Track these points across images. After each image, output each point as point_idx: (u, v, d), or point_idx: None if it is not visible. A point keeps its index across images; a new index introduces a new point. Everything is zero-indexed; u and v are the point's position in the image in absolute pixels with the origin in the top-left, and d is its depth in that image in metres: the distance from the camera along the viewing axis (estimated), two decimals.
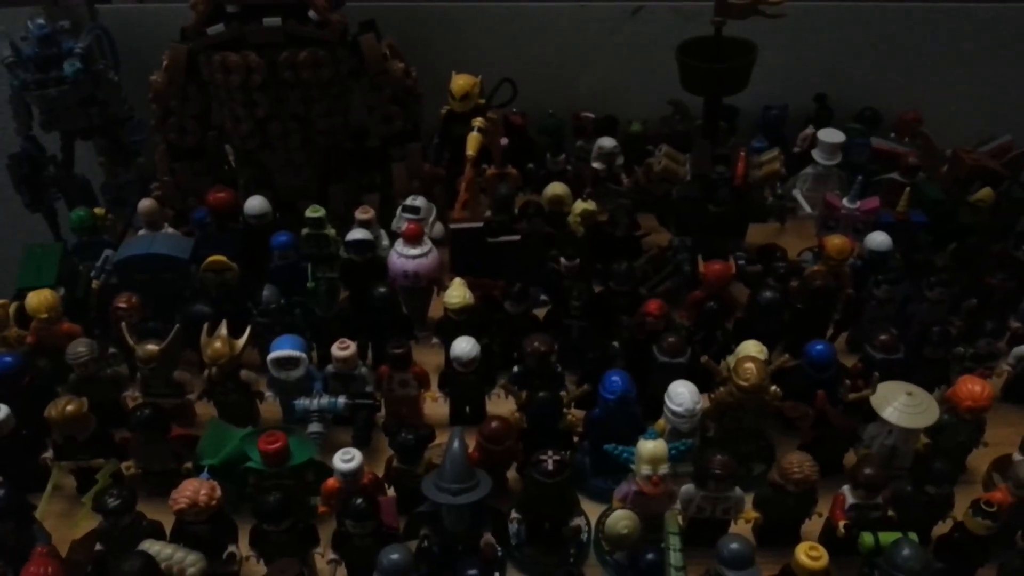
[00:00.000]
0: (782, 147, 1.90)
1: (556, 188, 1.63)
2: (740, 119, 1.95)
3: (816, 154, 1.80)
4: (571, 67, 1.97)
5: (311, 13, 1.52)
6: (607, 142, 1.83)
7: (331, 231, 1.60)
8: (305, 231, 1.58)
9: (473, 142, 1.58)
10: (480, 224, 1.53)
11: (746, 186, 1.53)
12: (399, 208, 1.67)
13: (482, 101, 1.68)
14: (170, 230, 1.63)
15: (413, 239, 1.50)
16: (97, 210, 1.65)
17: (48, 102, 1.66)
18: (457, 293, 1.41)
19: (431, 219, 1.68)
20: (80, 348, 1.32)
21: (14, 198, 1.78)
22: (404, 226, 1.52)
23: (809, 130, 1.92)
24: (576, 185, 1.71)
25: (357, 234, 1.52)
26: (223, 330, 1.33)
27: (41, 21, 1.65)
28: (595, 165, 1.85)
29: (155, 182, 1.73)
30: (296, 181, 1.69)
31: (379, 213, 1.66)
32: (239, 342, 1.33)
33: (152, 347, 1.31)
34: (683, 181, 1.57)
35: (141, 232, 1.62)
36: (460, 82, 1.66)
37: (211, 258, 1.45)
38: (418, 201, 1.65)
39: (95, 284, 1.54)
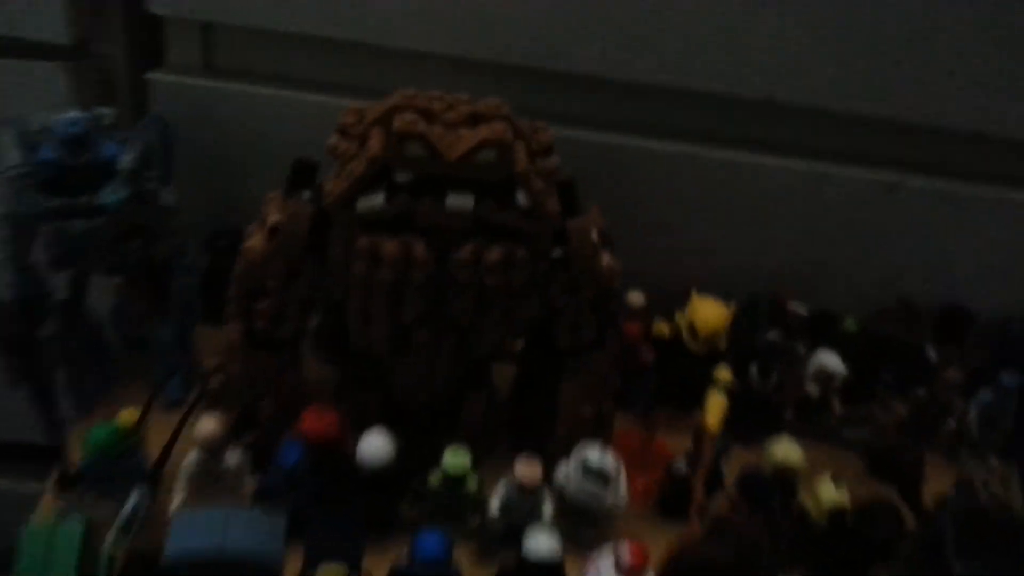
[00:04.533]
0: None
1: (788, 452, 1.15)
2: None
3: None
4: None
5: (520, 196, 0.98)
6: (832, 362, 1.34)
7: (473, 486, 1.10)
8: (436, 478, 1.08)
9: (716, 409, 1.06)
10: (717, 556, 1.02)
11: None
12: (580, 463, 1.13)
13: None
14: (235, 459, 1.07)
15: (637, 572, 0.98)
16: (125, 413, 1.08)
17: (68, 239, 1.07)
18: None
19: (620, 481, 1.16)
20: None
21: None
22: (625, 557, 0.98)
23: None
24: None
25: (542, 545, 0.99)
26: None
27: (74, 115, 1.05)
28: (808, 388, 1.36)
29: (212, 362, 1.15)
30: (425, 393, 1.15)
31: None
32: None
33: None
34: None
35: (193, 514, 1.03)
36: (707, 314, 1.13)
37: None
38: (607, 462, 1.12)
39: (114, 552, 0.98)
